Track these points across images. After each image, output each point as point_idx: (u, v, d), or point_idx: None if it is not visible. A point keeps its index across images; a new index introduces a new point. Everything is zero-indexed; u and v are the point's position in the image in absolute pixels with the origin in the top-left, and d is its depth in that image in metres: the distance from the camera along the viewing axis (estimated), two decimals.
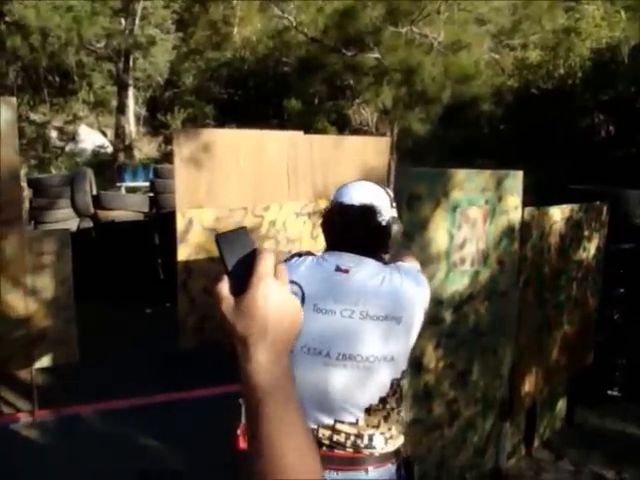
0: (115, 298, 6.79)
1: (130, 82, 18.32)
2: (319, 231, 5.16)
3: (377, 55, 10.37)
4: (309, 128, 16.19)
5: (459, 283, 3.20)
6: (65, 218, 7.39)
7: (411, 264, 2.07)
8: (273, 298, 0.81)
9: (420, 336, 2.90)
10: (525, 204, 3.60)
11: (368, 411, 1.91)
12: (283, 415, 0.80)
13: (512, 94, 13.38)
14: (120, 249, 7.18)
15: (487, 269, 3.34)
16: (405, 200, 2.80)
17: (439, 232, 2.98)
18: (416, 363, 3.05)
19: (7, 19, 18.68)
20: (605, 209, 4.41)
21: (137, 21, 17.16)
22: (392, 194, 2.16)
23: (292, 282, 1.87)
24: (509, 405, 3.76)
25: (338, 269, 1.92)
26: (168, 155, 19.61)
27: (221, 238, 0.84)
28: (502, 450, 3.81)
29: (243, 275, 0.82)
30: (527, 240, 3.65)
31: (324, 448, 1.90)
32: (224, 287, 0.83)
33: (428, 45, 10.52)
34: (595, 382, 4.80)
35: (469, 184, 3.09)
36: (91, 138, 19.88)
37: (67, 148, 19.40)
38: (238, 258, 0.83)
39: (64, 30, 15.12)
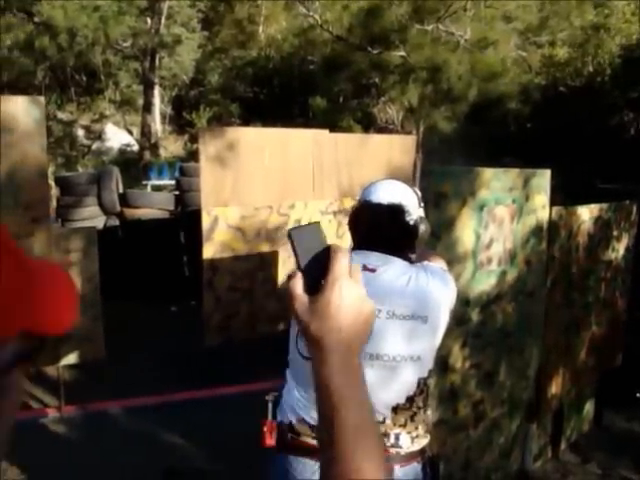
0: (141, 296, 6.83)
1: (156, 81, 18.45)
2: (344, 230, 5.16)
3: (403, 53, 10.30)
4: (334, 126, 16.15)
5: (486, 283, 3.16)
6: (92, 216, 7.46)
7: (438, 264, 2.05)
8: (349, 299, 0.79)
9: (446, 336, 2.88)
10: (554, 203, 3.56)
11: (395, 410, 1.91)
12: (358, 421, 0.79)
13: (539, 92, 13.22)
14: (146, 247, 7.23)
15: (514, 269, 3.30)
16: (432, 199, 2.77)
17: (466, 231, 2.95)
18: (442, 363, 3.03)
19: (36, 19, 18.94)
20: (635, 208, 4.34)
21: (163, 20, 17.26)
22: (420, 193, 2.15)
23: None
24: (535, 406, 3.71)
25: (365, 268, 1.88)
26: (194, 153, 19.74)
27: (294, 233, 0.83)
28: (528, 452, 3.77)
29: (317, 273, 0.81)
30: (555, 240, 3.60)
31: None
32: (298, 285, 0.81)
33: (454, 43, 10.42)
34: (624, 384, 4.73)
35: (496, 183, 3.06)
36: (117, 137, 20.07)
37: (94, 146, 19.61)
38: (311, 255, 0.82)
39: (91, 30, 15.27)
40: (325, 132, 5.17)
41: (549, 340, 3.69)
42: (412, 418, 1.93)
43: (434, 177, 2.85)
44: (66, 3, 16.74)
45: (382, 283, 1.89)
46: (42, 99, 4.26)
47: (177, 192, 8.19)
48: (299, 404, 1.96)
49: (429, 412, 2.05)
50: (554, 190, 3.53)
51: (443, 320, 1.95)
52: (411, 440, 1.94)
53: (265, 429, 2.06)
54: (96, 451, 4.02)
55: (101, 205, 7.63)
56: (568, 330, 3.89)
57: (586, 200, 4.09)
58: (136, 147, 19.45)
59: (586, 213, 3.85)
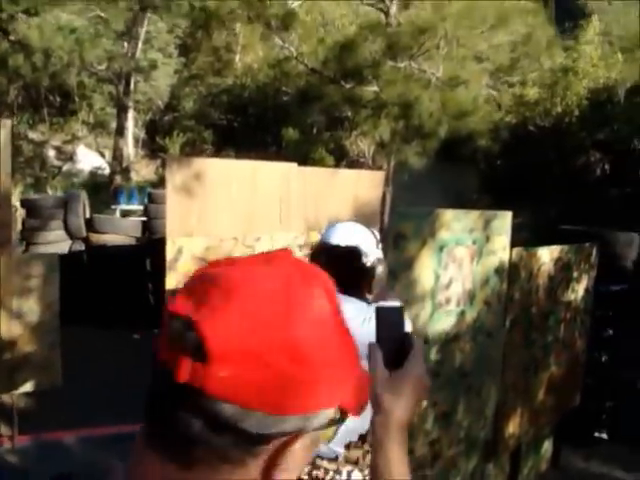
0: (104, 322, 6.75)
1: (130, 104, 18.42)
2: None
3: (375, 88, 10.45)
4: (307, 157, 16.25)
5: (444, 322, 3.19)
6: (57, 240, 7.38)
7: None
8: (420, 381, 0.93)
9: None
10: (518, 241, 3.61)
11: (347, 447, 1.96)
12: None
13: (509, 131, 13.49)
14: (111, 273, 7.16)
15: (473, 309, 3.33)
16: (392, 239, 2.80)
17: (425, 271, 2.98)
18: None
19: (11, 37, 18.85)
20: (594, 250, 4.42)
21: (140, 45, 17.30)
22: (378, 235, 2.21)
23: None
24: (493, 446, 3.73)
25: None
26: (165, 179, 19.67)
27: (381, 311, 0.96)
28: None
29: (395, 352, 0.92)
30: (515, 281, 3.65)
31: None
32: (379, 358, 0.94)
33: (426, 80, 10.61)
34: (582, 424, 4.77)
35: (456, 224, 3.10)
36: (89, 159, 19.92)
37: (64, 168, 19.44)
38: (391, 334, 0.94)
39: (66, 51, 15.23)
40: (294, 165, 5.20)
41: (507, 380, 3.72)
42: (364, 456, 1.97)
43: (394, 217, 2.88)
44: (42, 23, 16.70)
45: None
46: (9, 122, 4.23)
47: (144, 218, 8.15)
48: None
49: None
50: (519, 228, 3.59)
51: None
52: (362, 477, 1.98)
53: None
54: None
55: (67, 229, 7.54)
56: (527, 370, 3.93)
57: (549, 240, 4.16)
58: (107, 170, 19.33)
59: (546, 255, 3.91)
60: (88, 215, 8.02)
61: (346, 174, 5.78)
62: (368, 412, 1.92)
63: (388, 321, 0.95)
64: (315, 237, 5.39)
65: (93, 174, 18.97)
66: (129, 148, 19.15)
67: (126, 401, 5.20)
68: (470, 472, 3.62)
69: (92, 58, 15.54)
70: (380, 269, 2.10)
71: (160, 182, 19.08)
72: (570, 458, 4.61)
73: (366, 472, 1.96)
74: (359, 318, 1.93)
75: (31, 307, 4.29)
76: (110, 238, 7.53)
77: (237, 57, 23.48)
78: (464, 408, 3.44)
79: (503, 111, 14.10)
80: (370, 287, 2.10)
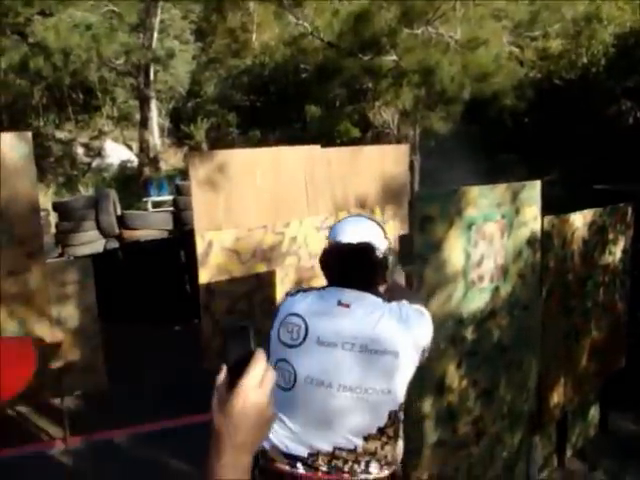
0: (144, 317, 6.84)
1: (152, 95, 18.47)
2: None
3: (394, 57, 10.29)
4: (331, 131, 16.17)
5: (479, 300, 3.15)
6: (91, 240, 7.48)
7: (415, 305, 2.07)
8: (251, 406, 0.89)
9: (440, 357, 2.87)
10: (551, 200, 3.52)
11: (366, 439, 1.99)
12: None
13: (534, 87, 13.17)
14: (147, 268, 7.23)
15: (508, 284, 3.28)
16: (418, 223, 2.76)
17: (455, 252, 2.94)
18: (438, 385, 3.02)
19: (30, 40, 19.00)
20: (630, 210, 4.31)
21: (155, 35, 17.29)
22: (382, 224, 2.24)
23: (296, 315, 2.02)
24: (538, 417, 3.69)
25: (340, 304, 2.00)
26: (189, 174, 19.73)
27: (228, 330, 0.92)
28: (533, 463, 3.75)
29: (238, 372, 0.90)
30: (549, 250, 3.58)
31: (322, 472, 1.99)
32: (220, 377, 0.92)
33: (445, 44, 10.41)
34: (629, 386, 4.70)
35: (483, 200, 3.04)
36: (117, 153, 20.09)
37: (94, 164, 19.64)
38: (238, 354, 0.90)
39: (84, 49, 15.30)
40: (316, 147, 5.16)
41: (548, 350, 3.67)
42: (382, 447, 2.01)
43: (419, 200, 2.83)
44: (58, 23, 16.79)
45: (356, 318, 1.98)
46: (29, 135, 4.25)
47: (174, 211, 8.20)
48: (273, 432, 2.02)
49: (400, 442, 2.09)
50: (551, 185, 3.51)
51: (415, 357, 2.00)
52: (380, 467, 2.02)
53: None
54: None
55: (100, 229, 7.64)
56: (567, 338, 3.87)
57: (582, 198, 4.06)
58: (136, 162, 19.49)
59: (579, 220, 3.82)
60: (119, 212, 8.10)
61: (370, 151, 5.71)
62: (387, 406, 1.99)
63: (234, 339, 0.91)
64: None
65: (122, 168, 19.14)
66: (155, 138, 19.24)
67: (174, 395, 5.30)
68: (516, 446, 3.60)
69: (110, 53, 15.61)
70: (391, 258, 2.12)
71: (188, 170, 19.19)
72: (619, 422, 4.55)
73: (383, 462, 2.02)
74: (376, 314, 1.97)
75: (70, 313, 4.36)
76: (142, 233, 7.61)
77: (254, 36, 23.33)
78: (505, 383, 3.41)
79: (527, 67, 13.75)
80: (385, 278, 2.12)
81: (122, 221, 7.73)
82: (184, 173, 17.33)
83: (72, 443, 4.62)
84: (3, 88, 19.66)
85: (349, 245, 2.03)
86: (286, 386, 2.00)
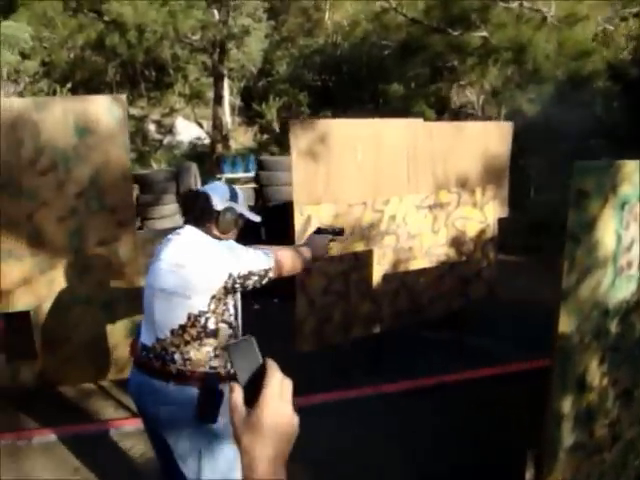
0: None
1: (225, 72, 18.37)
2: (440, 225, 4.80)
3: (484, 33, 9.77)
4: (406, 112, 15.72)
5: (625, 290, 2.78)
6: (171, 214, 7.32)
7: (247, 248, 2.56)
8: (278, 418, 0.88)
9: (583, 352, 2.53)
10: None
11: (172, 332, 2.44)
12: None
13: (627, 68, 12.42)
14: None
15: None
16: (573, 197, 2.42)
17: (607, 233, 2.58)
18: (579, 381, 2.68)
19: (105, 18, 19.14)
20: None
21: (230, 11, 17.14)
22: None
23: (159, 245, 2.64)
24: None
25: (175, 233, 2.62)
26: (264, 144, 19.64)
27: (232, 349, 0.92)
28: None
29: (254, 387, 0.90)
30: None
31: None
32: (238, 397, 0.90)
33: (538, 20, 9.82)
34: None
35: (638, 177, 2.67)
36: (188, 130, 20.11)
37: (165, 141, 19.71)
38: (249, 370, 0.91)
39: (160, 25, 15.25)
40: (419, 121, 4.83)
41: None
42: (185, 343, 2.42)
43: (576, 173, 2.48)
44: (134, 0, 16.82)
45: (177, 242, 2.55)
46: (124, 97, 4.07)
47: (255, 186, 7.97)
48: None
49: (205, 349, 2.45)
50: None
51: (215, 276, 2.41)
52: (183, 361, 2.42)
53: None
54: None
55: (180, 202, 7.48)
56: None
57: None
58: (207, 140, 19.45)
59: None
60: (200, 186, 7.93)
61: (473, 127, 5.36)
62: (185, 308, 2.46)
63: (240, 356, 0.91)
64: (445, 196, 5.04)
65: (193, 145, 19.13)
66: (226, 116, 19.16)
67: None
68: None
69: (186, 29, 15.52)
70: (228, 215, 2.58)
71: (260, 148, 19.09)
72: None
73: (186, 356, 2.45)
74: (194, 239, 2.51)
75: None
76: None
77: (327, 15, 23.00)
78: None
79: (625, 46, 12.95)
80: (214, 224, 2.57)
81: None
82: (254, 152, 17.21)
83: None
84: (80, 65, 19.90)
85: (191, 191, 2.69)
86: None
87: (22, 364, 4.02)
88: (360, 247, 4.47)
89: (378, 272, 4.63)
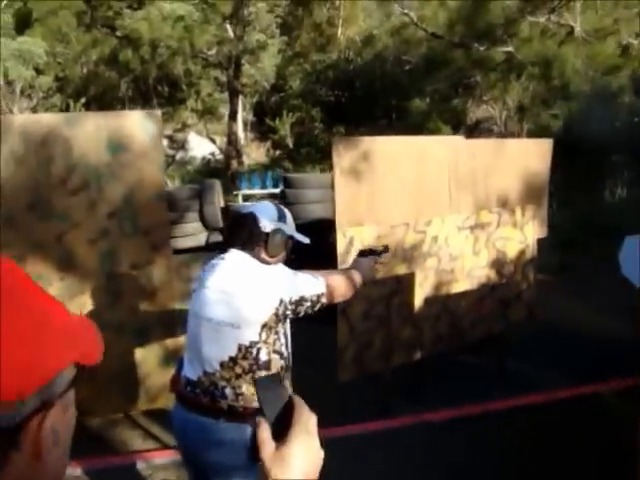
0: None
1: (239, 88, 18.31)
2: (481, 246, 4.58)
3: (509, 48, 9.58)
4: (421, 128, 15.58)
5: None
6: (194, 232, 7.13)
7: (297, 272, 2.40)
8: (307, 453, 0.89)
9: None
10: None
11: (222, 365, 2.29)
12: None
13: None
14: None
15: None
16: None
17: None
18: None
19: (118, 34, 19.15)
20: None
21: (246, 27, 17.10)
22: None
23: (202, 270, 2.48)
24: None
25: (221, 258, 2.43)
26: (277, 160, 19.53)
27: (260, 385, 0.94)
28: None
29: (282, 422, 0.89)
30: None
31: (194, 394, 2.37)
32: (266, 431, 0.89)
33: (565, 34, 9.61)
34: None
35: None
36: (200, 146, 20.04)
37: (177, 157, 19.63)
38: (276, 407, 0.91)
39: (176, 40, 15.18)
40: (461, 138, 4.64)
41: None
42: (237, 377, 2.28)
43: None
44: (149, 15, 16.79)
45: (224, 267, 2.39)
46: (159, 113, 3.87)
47: (281, 204, 7.78)
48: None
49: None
50: None
51: (267, 303, 2.28)
52: (235, 396, 2.28)
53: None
54: None
55: (203, 220, 7.28)
56: None
57: None
58: (219, 156, 19.35)
59: None
60: (222, 204, 7.75)
61: (514, 145, 5.16)
62: (235, 338, 2.31)
63: (268, 392, 0.92)
64: (486, 217, 4.84)
65: (206, 161, 19.03)
66: (239, 132, 19.09)
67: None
68: None
69: (202, 44, 15.43)
70: (277, 237, 2.41)
71: (272, 164, 18.97)
72: None
73: (237, 391, 2.30)
74: (241, 266, 2.36)
75: None
76: None
77: (339, 31, 22.98)
78: None
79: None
80: (264, 247, 2.42)
81: (226, 213, 7.37)
82: (267, 168, 17.08)
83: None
84: (93, 80, 19.87)
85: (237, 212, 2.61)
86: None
87: None
88: (402, 270, 4.26)
89: (420, 295, 4.41)
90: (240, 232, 2.44)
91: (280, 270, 2.38)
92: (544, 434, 4.18)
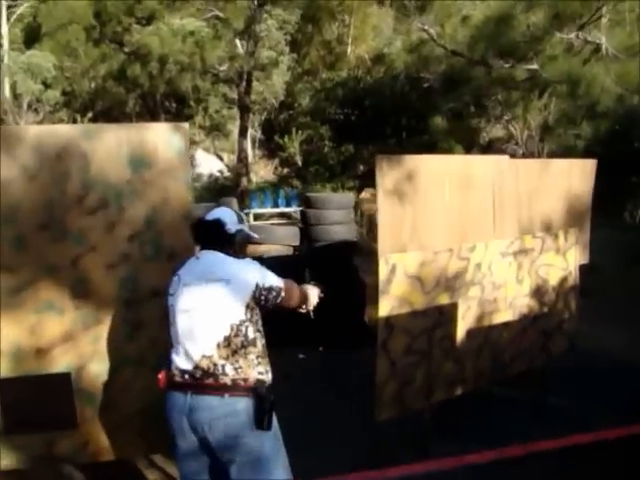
0: (269, 341, 6.07)
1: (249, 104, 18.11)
2: (525, 273, 4.23)
3: (534, 66, 9.29)
4: (433, 147, 15.29)
5: None
6: None
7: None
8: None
9: None
10: None
11: (218, 346, 2.62)
12: None
13: None
14: None
15: None
16: None
17: None
18: None
19: (126, 49, 18.98)
20: None
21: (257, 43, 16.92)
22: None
23: (176, 275, 2.86)
24: None
25: (196, 258, 2.87)
26: (285, 178, 19.25)
27: None
28: None
29: None
30: None
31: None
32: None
33: (591, 51, 9.33)
34: None
35: None
36: (207, 163, 19.78)
37: None
38: None
39: (187, 55, 14.95)
40: (505, 158, 4.31)
41: None
42: (233, 353, 2.62)
43: None
44: (158, 30, 16.62)
45: (201, 263, 2.81)
46: (186, 126, 3.54)
47: (301, 225, 7.43)
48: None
49: (250, 357, 2.65)
50: None
51: (245, 285, 2.66)
52: (235, 370, 2.60)
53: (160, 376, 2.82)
54: None
55: None
56: None
57: None
58: (227, 173, 19.10)
59: None
60: None
61: (559, 165, 4.82)
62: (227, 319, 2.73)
63: None
64: (530, 242, 4.50)
65: (214, 178, 18.76)
66: (248, 149, 18.86)
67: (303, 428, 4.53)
68: None
69: (213, 59, 15.19)
70: (239, 236, 2.87)
71: (280, 181, 18.67)
72: None
73: (236, 365, 2.63)
74: (218, 258, 2.76)
75: None
76: (266, 248, 6.87)
77: (349, 49, 22.83)
78: None
79: None
80: (232, 247, 2.83)
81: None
82: (275, 185, 16.78)
83: None
84: (101, 95, 19.67)
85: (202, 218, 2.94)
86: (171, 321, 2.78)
87: (58, 434, 3.45)
88: (444, 299, 3.91)
89: (462, 328, 4.07)
90: (209, 235, 2.85)
91: (251, 262, 2.80)
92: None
